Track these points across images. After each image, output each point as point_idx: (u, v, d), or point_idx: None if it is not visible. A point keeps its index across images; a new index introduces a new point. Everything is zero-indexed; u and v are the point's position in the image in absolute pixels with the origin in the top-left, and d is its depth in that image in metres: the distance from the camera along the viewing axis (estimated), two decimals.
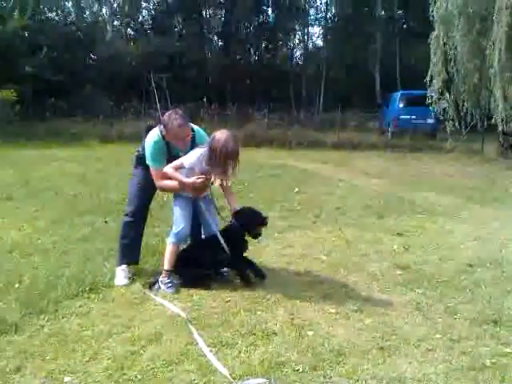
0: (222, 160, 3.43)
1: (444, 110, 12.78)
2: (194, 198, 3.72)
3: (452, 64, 12.41)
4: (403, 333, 2.95)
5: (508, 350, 2.75)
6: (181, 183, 3.57)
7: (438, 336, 2.91)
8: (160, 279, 3.63)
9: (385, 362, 2.61)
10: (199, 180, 3.54)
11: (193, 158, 3.57)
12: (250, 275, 3.74)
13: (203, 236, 3.91)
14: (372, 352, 2.72)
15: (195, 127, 3.81)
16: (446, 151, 14.55)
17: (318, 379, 2.44)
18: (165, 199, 5.74)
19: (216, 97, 21.74)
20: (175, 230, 3.66)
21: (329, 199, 7.17)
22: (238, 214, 3.75)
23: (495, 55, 10.95)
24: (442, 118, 13.03)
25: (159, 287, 3.60)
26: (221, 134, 3.47)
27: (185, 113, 3.70)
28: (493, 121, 11.92)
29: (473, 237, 5.20)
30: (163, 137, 3.63)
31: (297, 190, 7.80)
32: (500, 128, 11.91)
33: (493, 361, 2.63)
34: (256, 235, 3.79)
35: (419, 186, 8.49)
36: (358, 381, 2.43)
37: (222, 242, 3.63)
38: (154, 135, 3.68)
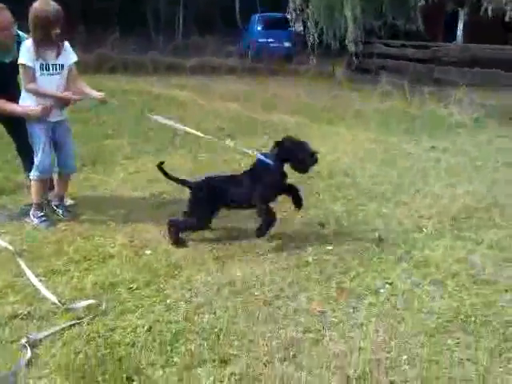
0: (43, 28, 3.11)
1: (305, 26, 12.80)
2: (52, 125, 3.37)
3: None
4: (239, 243, 3.10)
5: (329, 247, 3.05)
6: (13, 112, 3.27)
7: (270, 243, 3.11)
8: (32, 213, 3.40)
9: (218, 271, 2.74)
10: (34, 111, 3.24)
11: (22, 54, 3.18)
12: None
13: (56, 169, 3.55)
14: (207, 263, 2.83)
15: (20, 32, 3.42)
16: (302, 74, 15.04)
17: (150, 293, 2.48)
18: None
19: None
20: (36, 162, 3.34)
21: (183, 124, 7.04)
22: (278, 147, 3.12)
23: None
24: (303, 33, 12.98)
25: (32, 221, 3.37)
26: (36, 3, 3.15)
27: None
28: (346, 42, 12.40)
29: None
30: None
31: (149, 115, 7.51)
32: (350, 49, 12.51)
33: (315, 258, 2.90)
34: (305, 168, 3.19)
35: (273, 109, 8.72)
36: (190, 290, 2.52)
37: None
38: None
